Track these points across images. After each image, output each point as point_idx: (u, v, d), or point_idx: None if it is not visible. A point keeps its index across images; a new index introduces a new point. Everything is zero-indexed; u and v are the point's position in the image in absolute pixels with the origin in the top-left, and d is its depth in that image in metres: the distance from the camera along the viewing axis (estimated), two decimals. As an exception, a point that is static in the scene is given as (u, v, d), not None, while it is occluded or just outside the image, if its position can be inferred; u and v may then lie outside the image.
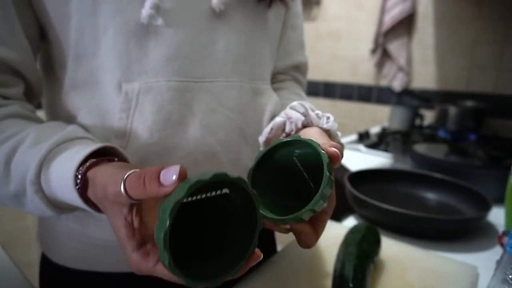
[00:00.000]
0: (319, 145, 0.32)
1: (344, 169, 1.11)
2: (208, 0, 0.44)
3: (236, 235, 0.29)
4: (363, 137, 1.45)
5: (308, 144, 0.32)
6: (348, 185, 0.79)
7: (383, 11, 1.68)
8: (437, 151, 1.05)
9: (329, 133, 0.41)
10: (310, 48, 2.00)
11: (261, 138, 0.43)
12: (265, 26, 0.52)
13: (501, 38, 1.45)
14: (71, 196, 0.33)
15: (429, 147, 1.10)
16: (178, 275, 0.24)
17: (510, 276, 0.35)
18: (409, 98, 1.74)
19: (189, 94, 0.44)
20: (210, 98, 0.45)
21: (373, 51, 1.78)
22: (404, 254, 0.60)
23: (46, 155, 0.35)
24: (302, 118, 0.41)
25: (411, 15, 1.64)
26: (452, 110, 1.39)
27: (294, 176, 0.36)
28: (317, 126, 0.41)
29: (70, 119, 0.45)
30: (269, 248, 0.69)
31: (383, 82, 1.81)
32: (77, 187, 0.32)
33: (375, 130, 1.61)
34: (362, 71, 1.86)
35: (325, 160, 0.31)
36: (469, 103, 1.46)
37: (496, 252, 0.65)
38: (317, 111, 0.42)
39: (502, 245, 0.63)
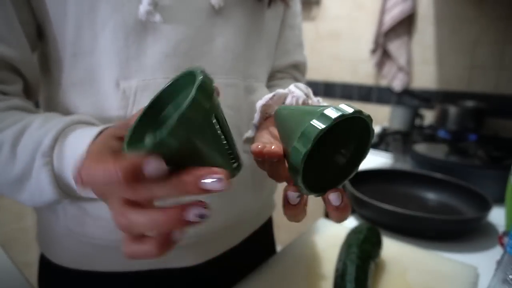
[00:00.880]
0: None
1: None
2: None
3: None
4: (363, 137, 1.44)
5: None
6: (348, 185, 0.79)
7: (383, 11, 1.68)
8: (437, 151, 1.05)
9: None
10: (310, 48, 2.00)
11: (260, 102, 0.41)
12: (263, 25, 0.52)
13: (502, 38, 1.45)
14: None
15: (429, 147, 1.10)
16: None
17: (511, 276, 0.35)
18: (409, 98, 1.74)
19: None
20: None
21: (373, 51, 1.78)
22: (404, 254, 0.60)
23: (63, 128, 0.36)
24: (304, 96, 0.41)
25: (411, 15, 1.64)
26: (452, 110, 1.38)
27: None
28: None
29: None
30: (269, 248, 0.69)
31: (383, 82, 1.81)
32: None
33: (375, 130, 1.61)
34: (362, 71, 1.86)
35: None
36: (469, 103, 1.46)
37: (496, 252, 0.65)
38: (318, 98, 0.42)
39: (502, 245, 0.63)
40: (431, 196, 0.86)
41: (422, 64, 1.67)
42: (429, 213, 0.68)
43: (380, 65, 1.78)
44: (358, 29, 1.84)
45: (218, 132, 0.27)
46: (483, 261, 0.61)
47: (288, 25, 0.60)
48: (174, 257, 0.49)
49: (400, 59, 1.69)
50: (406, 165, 1.13)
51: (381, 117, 1.80)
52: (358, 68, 1.87)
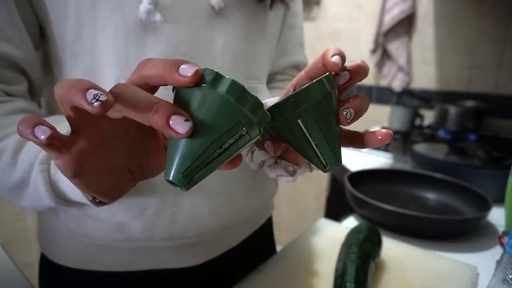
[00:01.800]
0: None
1: (344, 169, 1.11)
2: None
3: None
4: (363, 137, 1.44)
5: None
6: (348, 185, 0.79)
7: (383, 11, 1.68)
8: (437, 151, 1.05)
9: None
10: (310, 48, 2.00)
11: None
12: (264, 25, 0.52)
13: (502, 38, 1.45)
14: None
15: (429, 147, 1.10)
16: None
17: (510, 276, 0.35)
18: (409, 98, 1.74)
19: None
20: None
21: (373, 51, 1.78)
22: (404, 254, 0.60)
23: None
24: None
25: (411, 15, 1.64)
26: (452, 110, 1.39)
27: None
28: None
29: None
30: (269, 248, 0.69)
31: (383, 82, 1.81)
32: None
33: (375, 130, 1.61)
34: (362, 71, 1.86)
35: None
36: (469, 103, 1.46)
37: (496, 252, 0.65)
38: None
39: (502, 245, 0.63)
40: (431, 196, 0.86)
41: (422, 64, 1.67)
42: (429, 213, 0.68)
43: (380, 65, 1.78)
44: (358, 29, 1.84)
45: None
46: (483, 261, 0.61)
47: (288, 25, 0.60)
48: (174, 257, 0.49)
49: (400, 59, 1.69)
50: (406, 165, 1.13)
51: (381, 117, 1.81)
52: (358, 68, 1.87)
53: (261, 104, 0.24)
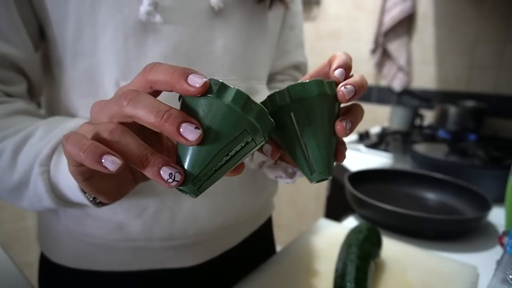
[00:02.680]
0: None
1: (344, 169, 1.11)
2: None
3: None
4: (363, 137, 1.45)
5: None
6: (348, 185, 0.79)
7: (383, 11, 1.68)
8: (437, 151, 1.05)
9: None
10: (310, 48, 2.00)
11: None
12: (264, 26, 0.52)
13: (502, 38, 1.45)
14: (74, 184, 0.33)
15: (429, 147, 1.10)
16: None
17: (510, 276, 0.35)
18: (409, 98, 1.74)
19: None
20: None
21: (373, 51, 1.78)
22: (404, 254, 0.60)
23: (61, 140, 0.36)
24: None
25: (411, 15, 1.64)
26: (452, 110, 1.39)
27: None
28: None
29: (70, 117, 0.45)
30: (269, 248, 0.69)
31: (383, 82, 1.81)
32: None
33: (375, 130, 1.61)
34: (362, 71, 1.86)
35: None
36: (469, 103, 1.46)
37: (496, 252, 0.65)
38: None
39: (502, 245, 0.63)
40: (431, 196, 0.86)
41: (422, 64, 1.68)
42: (429, 213, 0.68)
43: (380, 65, 1.78)
44: (358, 29, 1.84)
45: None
46: (483, 261, 0.61)
47: (288, 25, 0.60)
48: (173, 257, 0.49)
49: (400, 59, 1.69)
50: (406, 165, 1.13)
51: (381, 117, 1.81)
52: (358, 68, 1.87)
53: (265, 112, 0.25)
